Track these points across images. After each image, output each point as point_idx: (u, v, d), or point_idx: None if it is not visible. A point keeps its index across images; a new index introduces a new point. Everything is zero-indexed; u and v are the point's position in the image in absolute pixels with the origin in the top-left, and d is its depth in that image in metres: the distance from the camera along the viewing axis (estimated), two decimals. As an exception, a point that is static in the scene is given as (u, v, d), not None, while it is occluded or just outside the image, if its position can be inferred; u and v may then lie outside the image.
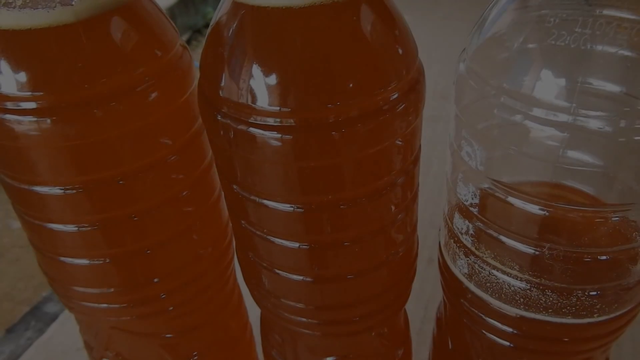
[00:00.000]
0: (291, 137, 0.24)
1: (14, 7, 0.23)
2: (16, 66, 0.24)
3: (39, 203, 0.29)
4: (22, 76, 0.24)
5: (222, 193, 0.34)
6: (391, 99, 0.24)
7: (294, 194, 0.26)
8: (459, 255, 0.29)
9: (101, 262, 0.30)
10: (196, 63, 0.27)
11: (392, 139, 0.25)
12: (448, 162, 0.29)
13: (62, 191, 0.28)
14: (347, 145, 0.24)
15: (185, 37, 2.18)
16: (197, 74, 0.30)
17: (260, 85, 0.23)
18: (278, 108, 0.23)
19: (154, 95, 0.26)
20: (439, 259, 0.33)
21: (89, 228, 0.29)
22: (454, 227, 0.28)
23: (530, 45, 0.23)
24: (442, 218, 0.31)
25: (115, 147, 0.27)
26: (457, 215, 0.28)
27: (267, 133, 0.24)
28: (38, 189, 0.28)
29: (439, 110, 0.80)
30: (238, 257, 0.34)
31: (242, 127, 0.24)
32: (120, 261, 0.30)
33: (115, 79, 0.25)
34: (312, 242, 0.28)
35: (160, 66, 0.27)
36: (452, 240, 0.29)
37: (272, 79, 0.23)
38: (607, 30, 0.21)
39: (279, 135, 0.24)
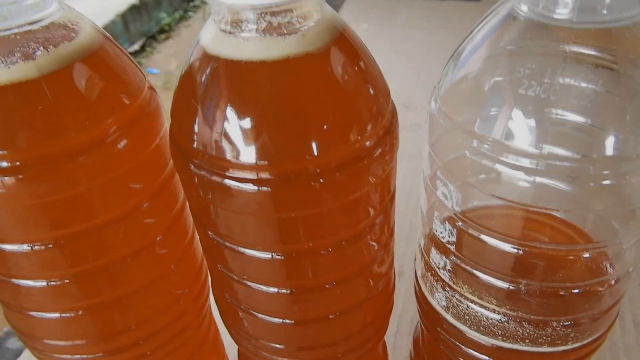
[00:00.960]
0: (268, 189, 0.23)
1: (-28, 64, 0.22)
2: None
3: (3, 260, 0.27)
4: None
5: (195, 233, 0.34)
6: (368, 145, 0.24)
7: (273, 243, 0.26)
8: (436, 288, 0.29)
9: (74, 314, 0.29)
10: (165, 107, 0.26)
11: (370, 183, 0.25)
12: (423, 197, 0.29)
13: (30, 248, 0.26)
14: (326, 195, 0.24)
15: (138, 44, 2.13)
16: (166, 116, 0.29)
17: (235, 138, 0.23)
18: (254, 161, 0.23)
19: (124, 144, 0.26)
20: (415, 288, 0.33)
21: (60, 282, 0.28)
22: (431, 261, 0.29)
23: (500, 91, 0.23)
24: (418, 249, 0.31)
25: (87, 201, 0.26)
26: (433, 251, 0.28)
27: (243, 185, 0.24)
28: (3, 246, 0.27)
29: (402, 120, 0.81)
30: (215, 297, 0.33)
31: (216, 178, 0.24)
32: (95, 312, 0.29)
33: (84, 132, 0.24)
34: (292, 287, 0.28)
35: (130, 114, 0.26)
36: (429, 274, 0.30)
37: (247, 132, 0.22)
38: (575, 69, 0.22)
39: (256, 188, 0.23)
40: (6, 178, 0.24)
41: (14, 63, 0.22)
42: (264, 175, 0.23)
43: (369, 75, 0.24)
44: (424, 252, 0.30)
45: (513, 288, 0.25)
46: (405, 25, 1.11)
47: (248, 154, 0.23)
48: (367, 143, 0.24)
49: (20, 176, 0.24)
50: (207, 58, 0.23)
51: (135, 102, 0.26)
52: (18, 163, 0.23)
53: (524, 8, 0.22)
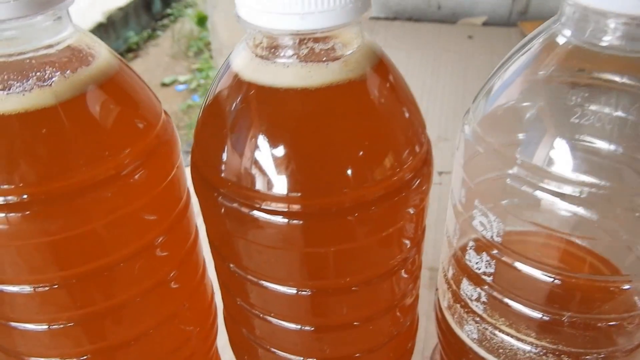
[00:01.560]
0: (300, 222, 0.22)
1: (-18, 91, 0.20)
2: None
3: (2, 302, 0.25)
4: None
5: (206, 267, 0.32)
6: (407, 177, 0.23)
7: (300, 278, 0.25)
8: (466, 321, 0.28)
9: None
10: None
11: (407, 216, 0.24)
12: (450, 226, 0.28)
13: (32, 289, 0.24)
14: (362, 229, 0.23)
15: (106, 64, 2.07)
16: (182, 145, 0.27)
17: (269, 168, 0.21)
18: (286, 193, 0.22)
19: (141, 176, 0.24)
20: (437, 318, 0.32)
21: (63, 326, 0.25)
22: (462, 293, 0.28)
23: (543, 119, 0.23)
24: (442, 279, 0.30)
25: (99, 237, 0.24)
26: (465, 282, 0.27)
27: (273, 218, 0.22)
28: (2, 287, 0.24)
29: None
30: (229, 333, 0.31)
31: (245, 209, 0.22)
32: (101, 358, 0.27)
33: (100, 164, 0.22)
34: (316, 325, 0.27)
35: (147, 144, 0.24)
36: (458, 305, 0.28)
37: (284, 162, 0.21)
38: (620, 98, 0.21)
39: (286, 221, 0.22)
40: (12, 215, 0.21)
41: (30, 90, 0.20)
42: (295, 207, 0.22)
43: (408, 102, 0.23)
44: (451, 283, 0.29)
45: (555, 320, 0.24)
46: (383, 45, 1.12)
47: (281, 185, 0.21)
48: (407, 175, 0.23)
49: (28, 212, 0.21)
50: (241, 84, 0.21)
51: (152, 130, 0.24)
52: (28, 197, 0.21)
53: (568, 34, 0.22)
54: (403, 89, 0.23)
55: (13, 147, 0.21)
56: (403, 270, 0.26)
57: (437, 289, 0.32)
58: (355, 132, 0.21)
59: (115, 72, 0.23)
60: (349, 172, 0.21)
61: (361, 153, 0.21)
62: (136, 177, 0.24)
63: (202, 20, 2.20)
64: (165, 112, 0.27)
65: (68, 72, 0.21)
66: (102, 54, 0.23)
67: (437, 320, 0.32)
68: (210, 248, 0.27)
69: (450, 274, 0.29)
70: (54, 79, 0.21)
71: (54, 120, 0.21)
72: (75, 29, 0.23)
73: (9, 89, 0.20)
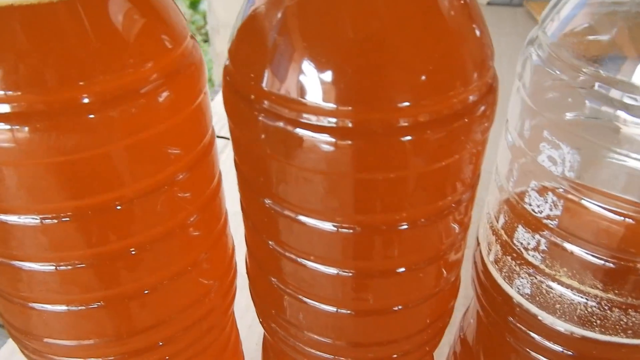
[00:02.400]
0: (349, 142, 0.19)
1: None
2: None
3: (4, 235, 0.22)
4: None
5: (227, 219, 0.29)
6: (470, 100, 0.20)
7: (342, 211, 0.22)
8: (518, 274, 0.25)
9: (85, 308, 0.24)
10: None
11: (466, 149, 0.21)
12: (504, 168, 0.26)
13: (39, 221, 0.21)
14: (417, 155, 0.20)
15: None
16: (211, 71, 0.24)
17: (315, 77, 0.18)
18: (335, 106, 0.19)
19: (163, 97, 0.21)
20: (478, 274, 0.29)
21: (72, 267, 0.22)
22: (515, 242, 0.25)
23: (625, 34, 0.20)
24: (488, 230, 0.28)
25: (114, 164, 0.21)
26: (520, 229, 0.25)
27: (319, 136, 0.19)
28: (4, 218, 0.21)
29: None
30: (253, 283, 0.28)
31: (287, 125, 0.20)
32: (111, 306, 0.24)
33: (118, 76, 0.19)
34: (355, 269, 0.24)
35: (172, 61, 0.21)
36: (508, 257, 0.26)
37: (330, 70, 0.18)
38: None
39: (334, 140, 0.19)
40: (16, 127, 0.18)
41: (43, -25, 0.17)
42: (344, 123, 0.19)
43: (479, 19, 0.20)
44: (501, 233, 0.26)
45: (626, 268, 0.22)
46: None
47: (327, 96, 0.18)
48: (471, 97, 0.20)
49: (36, 125, 0.18)
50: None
51: (178, 48, 0.21)
52: (34, 108, 0.18)
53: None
54: (475, 4, 0.20)
55: (23, 44, 0.17)
56: (454, 216, 0.23)
57: (477, 244, 0.30)
58: (419, 40, 0.18)
59: (141, -25, 0.20)
60: (403, 85, 0.18)
61: (424, 64, 0.18)
62: (157, 98, 0.20)
63: (194, 3, 2.15)
64: (193, 36, 0.24)
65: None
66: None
67: (477, 278, 0.30)
68: (241, 185, 0.24)
69: (500, 223, 0.26)
70: (71, -34, 0.18)
71: (71, 16, 0.18)
72: None
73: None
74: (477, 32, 0.20)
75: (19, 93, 0.18)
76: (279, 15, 0.19)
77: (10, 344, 0.46)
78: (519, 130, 0.24)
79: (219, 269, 0.28)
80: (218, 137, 0.27)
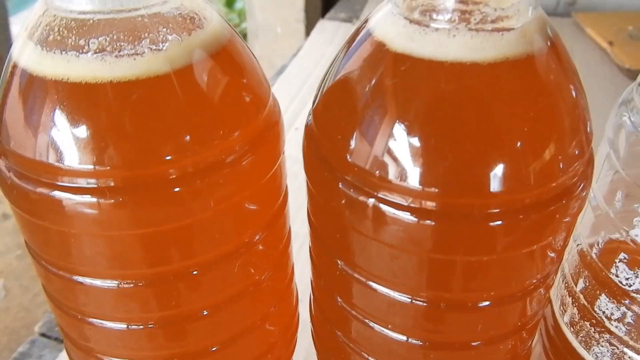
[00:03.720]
0: (432, 223, 0.19)
1: (87, 52, 0.17)
2: (80, 129, 0.17)
3: (81, 296, 0.22)
4: (86, 143, 0.17)
5: (294, 268, 0.28)
6: (570, 183, 0.19)
7: (418, 286, 0.21)
8: (597, 342, 0.25)
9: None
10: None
11: (560, 228, 0.20)
12: (586, 231, 0.25)
13: (116, 285, 0.21)
14: (503, 241, 0.19)
15: None
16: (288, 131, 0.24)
17: (410, 156, 0.18)
18: (420, 187, 0.18)
19: (248, 164, 0.20)
20: (548, 332, 0.28)
21: (144, 327, 0.22)
22: (596, 309, 0.24)
23: None
24: (564, 290, 0.27)
25: (196, 233, 0.20)
26: (603, 298, 0.24)
27: (401, 213, 0.19)
28: (84, 280, 0.21)
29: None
30: (317, 333, 0.28)
31: (369, 200, 0.19)
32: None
33: (206, 148, 0.19)
34: (425, 340, 0.23)
35: (257, 126, 0.21)
36: (586, 323, 0.25)
37: (428, 151, 0.17)
38: None
39: (415, 219, 0.19)
40: (104, 201, 0.18)
41: (142, 54, 0.17)
42: (427, 205, 0.18)
43: (580, 88, 0.19)
44: (579, 297, 0.25)
45: None
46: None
47: (417, 177, 0.18)
48: (571, 180, 0.19)
49: (121, 198, 0.18)
50: (389, 55, 0.18)
51: (262, 111, 0.21)
52: (122, 182, 0.18)
53: None
54: (573, 68, 0.19)
55: (118, 120, 0.17)
56: (542, 289, 0.22)
57: (552, 301, 0.29)
58: (524, 121, 0.17)
59: (227, 40, 0.20)
60: (506, 170, 0.18)
61: (527, 147, 0.18)
62: (244, 164, 0.20)
63: (230, 2, 2.16)
64: (273, 95, 0.23)
65: (183, 34, 0.18)
66: (215, 17, 0.20)
67: (547, 333, 0.29)
68: (313, 239, 0.24)
69: (579, 286, 0.25)
70: (167, 42, 0.17)
71: (167, 91, 0.17)
72: (184, -15, 0.19)
73: (119, 52, 0.17)
74: (581, 107, 0.19)
75: (108, 168, 0.18)
76: (375, 88, 0.18)
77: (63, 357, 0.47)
78: (605, 197, 0.23)
79: (285, 319, 0.27)
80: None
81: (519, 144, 0.17)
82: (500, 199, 0.18)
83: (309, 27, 1.06)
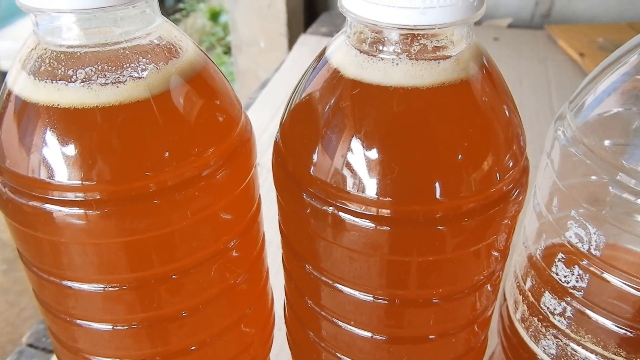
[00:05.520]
0: (387, 228, 0.21)
1: (75, 81, 0.19)
2: (69, 149, 0.19)
3: (70, 300, 0.24)
4: (75, 161, 0.20)
5: (269, 271, 0.31)
6: (506, 189, 0.21)
7: (379, 285, 0.24)
8: (544, 335, 0.27)
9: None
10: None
11: (500, 229, 0.22)
12: (532, 234, 0.27)
13: (102, 289, 0.23)
14: (451, 242, 0.22)
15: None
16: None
17: (363, 169, 0.20)
18: (376, 196, 0.20)
19: (222, 177, 0.22)
20: (505, 329, 0.31)
21: (128, 327, 0.24)
22: (542, 305, 0.27)
23: (652, 125, 0.22)
24: (515, 289, 0.29)
25: (175, 241, 0.22)
26: (547, 295, 0.26)
27: (360, 221, 0.21)
28: (73, 284, 0.23)
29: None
30: (291, 334, 0.30)
31: (331, 210, 0.21)
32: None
33: (183, 164, 0.21)
34: (390, 335, 0.26)
35: (230, 143, 0.23)
36: (535, 318, 0.27)
37: (381, 164, 0.20)
38: None
39: (373, 225, 0.21)
40: (91, 212, 0.20)
41: (124, 82, 0.19)
42: (384, 212, 0.21)
43: (511, 105, 0.22)
44: (528, 295, 0.28)
45: (649, 339, 0.23)
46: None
47: (373, 188, 0.20)
48: (507, 187, 0.21)
49: (106, 210, 0.20)
50: (342, 81, 0.20)
51: (235, 129, 0.23)
52: (108, 196, 0.20)
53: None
54: (505, 89, 0.22)
55: (103, 141, 0.19)
56: (488, 285, 0.25)
57: (504, 300, 0.31)
58: (461, 137, 0.20)
59: (202, 67, 0.22)
60: (448, 180, 0.20)
61: (464, 161, 0.20)
62: (218, 177, 0.22)
63: (214, 16, 2.19)
64: (245, 114, 0.25)
65: (161, 63, 0.20)
66: (190, 46, 0.22)
67: (504, 331, 0.31)
68: (284, 247, 0.26)
69: (527, 285, 0.28)
70: (147, 71, 0.20)
71: (147, 115, 0.20)
72: (163, 19, 0.21)
73: (104, 81, 0.19)
74: (514, 122, 0.22)
75: (94, 183, 0.20)
76: (331, 110, 0.20)
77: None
78: (546, 203, 0.25)
79: (261, 319, 0.30)
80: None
81: (458, 156, 0.20)
82: (445, 205, 0.20)
83: (292, 41, 1.09)
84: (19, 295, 1.11)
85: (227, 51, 1.91)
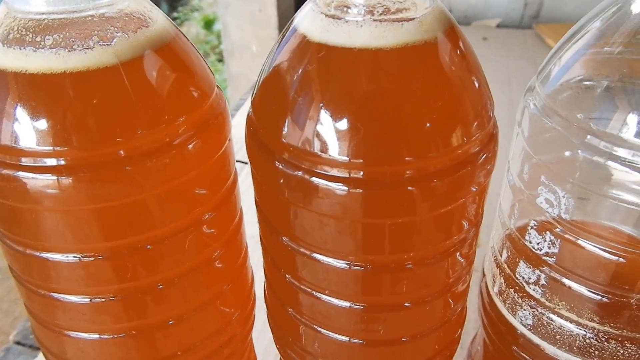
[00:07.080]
0: (359, 190, 0.21)
1: (43, 47, 0.19)
2: (39, 115, 0.20)
3: (46, 271, 0.24)
4: (45, 127, 0.20)
5: (247, 250, 0.31)
6: (473, 151, 0.22)
7: (354, 251, 0.24)
8: (520, 306, 0.27)
9: (116, 337, 0.26)
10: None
11: (469, 194, 0.23)
12: (507, 205, 0.27)
13: (78, 259, 0.23)
14: (422, 203, 0.22)
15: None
16: (235, 119, 0.27)
17: (333, 132, 0.20)
18: (348, 158, 0.21)
19: (194, 147, 0.23)
20: (484, 304, 0.31)
21: (105, 299, 0.25)
22: (517, 276, 0.27)
23: (616, 86, 0.22)
24: (492, 263, 0.29)
25: (148, 209, 0.23)
26: (522, 264, 0.26)
27: (333, 184, 0.21)
28: (48, 255, 0.23)
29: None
30: (271, 312, 0.30)
31: (304, 175, 0.22)
32: (139, 336, 0.26)
33: (154, 131, 0.21)
34: (366, 303, 0.26)
35: (201, 114, 0.23)
36: (511, 290, 0.28)
37: (351, 126, 0.20)
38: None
39: (346, 188, 0.21)
40: (63, 178, 0.21)
41: (91, 48, 0.19)
42: (356, 174, 0.21)
43: (478, 72, 0.22)
44: (504, 267, 0.28)
45: (621, 302, 0.23)
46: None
47: (344, 150, 0.20)
48: (473, 148, 0.22)
49: (79, 175, 0.20)
50: (309, 45, 0.20)
51: (206, 101, 0.24)
52: (79, 161, 0.20)
53: (637, 6, 0.21)
54: (473, 56, 0.22)
55: (72, 106, 0.20)
56: (459, 253, 0.25)
57: (483, 275, 0.32)
58: (426, 98, 0.20)
59: (172, 38, 0.22)
60: (415, 139, 0.20)
61: (430, 120, 0.20)
62: (189, 147, 0.23)
63: (208, 24, 2.20)
64: (219, 87, 0.26)
65: (130, 32, 0.20)
66: (160, 18, 0.22)
67: (484, 307, 0.31)
68: (261, 222, 0.26)
69: (503, 257, 0.28)
70: (115, 38, 0.20)
71: (115, 81, 0.20)
72: (132, -10, 0.22)
73: (72, 47, 0.19)
74: (480, 86, 0.22)
75: (66, 148, 0.20)
76: (299, 76, 0.21)
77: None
78: (518, 173, 0.25)
79: (240, 298, 0.30)
80: (236, 161, 0.29)
81: (423, 116, 0.20)
82: (414, 165, 0.21)
83: (283, 44, 1.10)
84: (13, 304, 1.10)
85: (221, 59, 1.92)
